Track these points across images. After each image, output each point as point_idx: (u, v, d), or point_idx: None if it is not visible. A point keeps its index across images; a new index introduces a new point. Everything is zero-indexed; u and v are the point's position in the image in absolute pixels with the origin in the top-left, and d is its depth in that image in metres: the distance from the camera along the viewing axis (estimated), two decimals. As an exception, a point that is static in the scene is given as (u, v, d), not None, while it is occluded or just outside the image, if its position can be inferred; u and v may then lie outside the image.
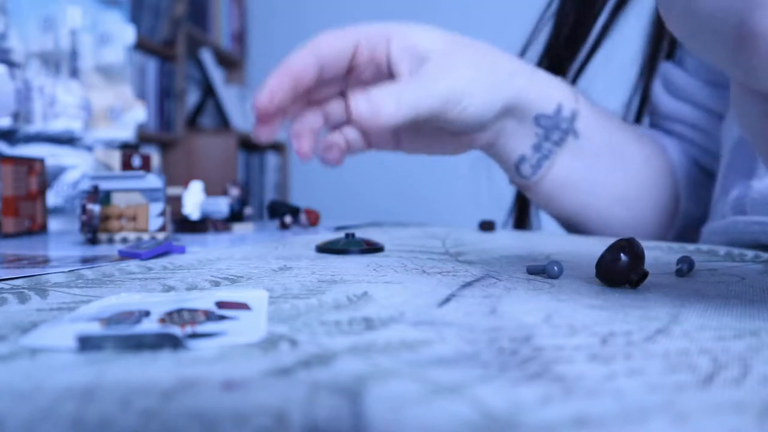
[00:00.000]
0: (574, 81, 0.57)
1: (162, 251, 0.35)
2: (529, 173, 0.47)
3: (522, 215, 0.61)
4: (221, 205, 0.57)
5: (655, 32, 0.59)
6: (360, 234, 0.43)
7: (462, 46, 0.42)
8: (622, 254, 0.23)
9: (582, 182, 0.47)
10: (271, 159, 2.48)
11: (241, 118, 2.31)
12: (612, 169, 0.48)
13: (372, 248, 0.36)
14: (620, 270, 0.23)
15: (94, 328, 0.17)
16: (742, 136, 0.19)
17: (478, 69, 0.41)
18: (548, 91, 0.44)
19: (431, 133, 0.45)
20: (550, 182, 0.47)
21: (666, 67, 0.55)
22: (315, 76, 0.41)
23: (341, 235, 0.38)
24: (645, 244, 0.38)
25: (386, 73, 0.43)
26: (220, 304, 0.20)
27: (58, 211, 0.67)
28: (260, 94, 0.39)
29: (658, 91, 0.55)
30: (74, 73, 0.73)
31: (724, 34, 0.17)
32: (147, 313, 0.18)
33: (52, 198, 0.66)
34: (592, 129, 0.46)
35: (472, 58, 0.42)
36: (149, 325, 0.17)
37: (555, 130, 0.45)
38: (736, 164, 0.44)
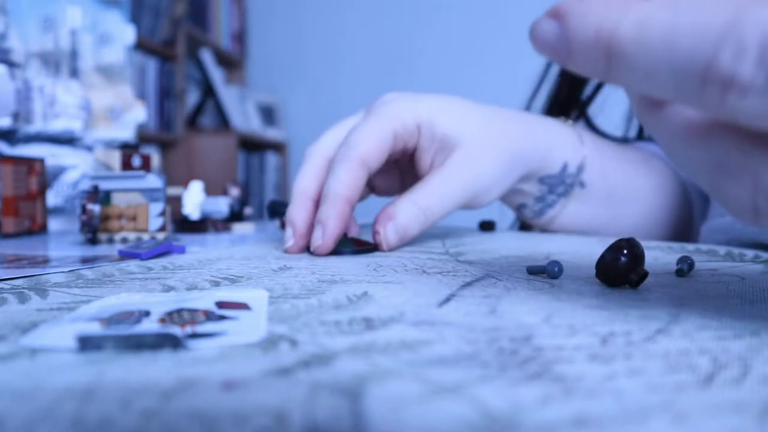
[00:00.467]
0: (589, 100, 0.57)
1: (162, 251, 0.35)
2: (530, 216, 0.47)
3: None
4: (221, 205, 0.57)
5: None
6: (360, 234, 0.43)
7: (490, 133, 0.40)
8: (622, 254, 0.23)
9: (592, 224, 0.47)
10: (271, 159, 2.48)
11: (241, 118, 2.31)
12: (622, 208, 0.48)
13: (364, 249, 0.36)
14: (620, 270, 0.23)
15: (94, 328, 0.17)
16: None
17: (501, 161, 0.40)
18: (556, 153, 0.43)
19: None
20: (558, 225, 0.47)
21: None
22: None
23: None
24: (645, 244, 0.38)
25: (410, 155, 0.41)
26: (220, 304, 0.20)
27: (58, 211, 0.67)
28: (323, 241, 0.35)
29: None
30: (74, 73, 0.73)
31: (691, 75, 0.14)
32: (147, 313, 0.18)
33: (52, 198, 0.66)
34: (599, 175, 0.46)
35: (497, 147, 0.40)
36: (149, 325, 0.17)
37: (560, 185, 0.44)
38: None
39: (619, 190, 0.47)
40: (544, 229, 0.49)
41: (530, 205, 0.46)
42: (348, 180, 0.36)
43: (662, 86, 0.14)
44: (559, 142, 0.44)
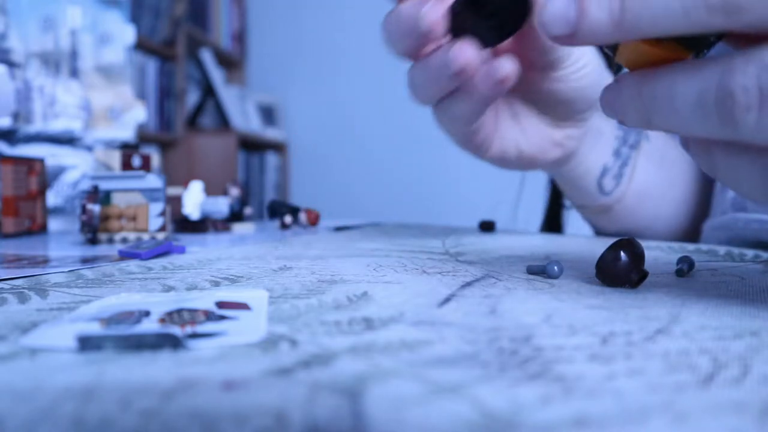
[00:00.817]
0: None
1: (162, 251, 0.35)
2: (611, 187, 0.46)
3: (554, 218, 0.60)
4: (221, 205, 0.57)
5: None
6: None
7: None
8: (622, 254, 0.23)
9: (655, 188, 0.48)
10: (271, 159, 2.48)
11: (241, 118, 2.31)
12: (673, 171, 0.49)
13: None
14: (620, 270, 0.23)
15: (94, 328, 0.17)
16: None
17: None
18: None
19: (529, 115, 0.39)
20: (630, 196, 0.47)
21: None
22: None
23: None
24: (645, 244, 0.38)
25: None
26: (220, 304, 0.20)
27: (58, 211, 0.67)
28: None
29: None
30: (74, 73, 0.73)
31: (708, 110, 0.17)
32: (147, 313, 0.18)
33: (52, 198, 0.66)
34: (651, 132, 0.47)
35: None
36: (149, 325, 0.17)
37: (631, 132, 0.45)
38: None
39: (668, 150, 0.48)
40: (616, 214, 0.47)
41: (610, 166, 0.45)
42: None
43: (672, 9, 0.17)
44: None
